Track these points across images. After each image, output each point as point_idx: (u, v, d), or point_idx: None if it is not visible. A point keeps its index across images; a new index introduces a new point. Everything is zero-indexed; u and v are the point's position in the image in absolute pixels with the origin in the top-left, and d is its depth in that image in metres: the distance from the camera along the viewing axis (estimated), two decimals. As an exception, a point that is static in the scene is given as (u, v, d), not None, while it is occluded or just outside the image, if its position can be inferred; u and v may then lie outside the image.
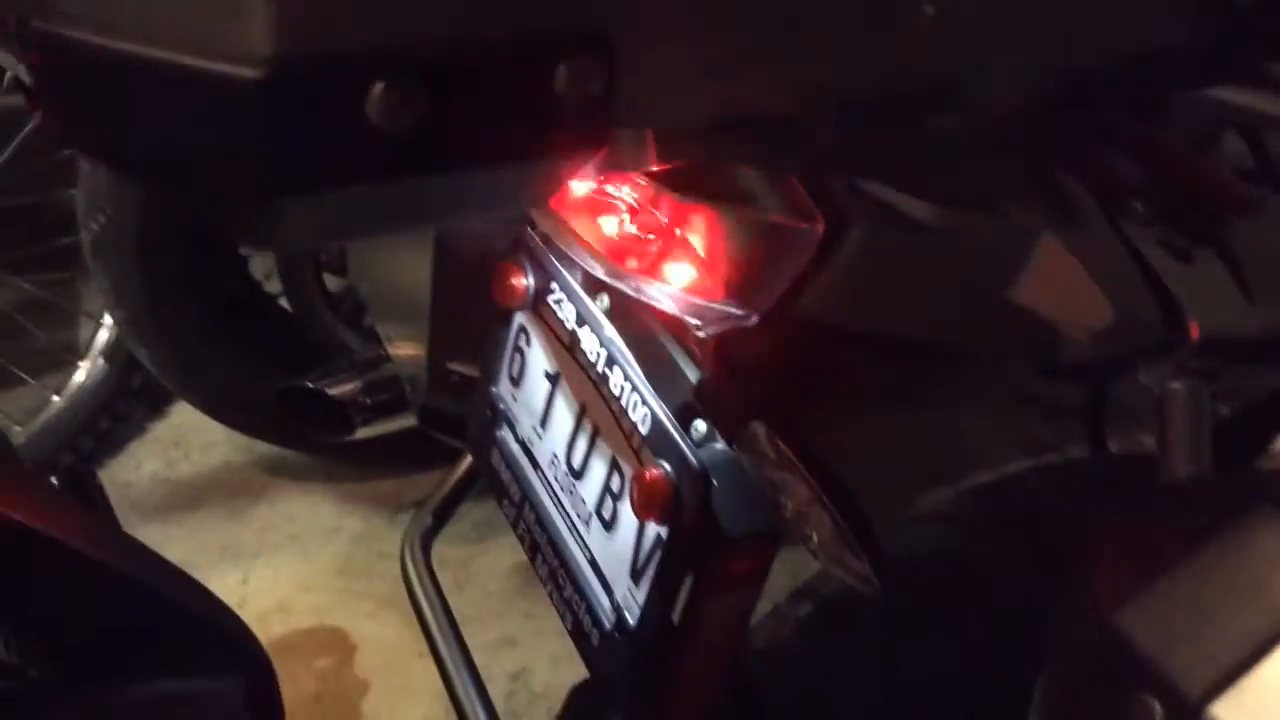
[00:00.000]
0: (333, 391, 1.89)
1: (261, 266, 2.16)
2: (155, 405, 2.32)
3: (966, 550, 1.14)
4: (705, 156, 0.59)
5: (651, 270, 0.90)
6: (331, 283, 2.11)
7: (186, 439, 2.32)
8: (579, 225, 0.91)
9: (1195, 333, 0.88)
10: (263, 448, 2.26)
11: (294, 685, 2.04)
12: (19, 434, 2.13)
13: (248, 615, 2.07)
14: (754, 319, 0.88)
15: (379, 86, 0.44)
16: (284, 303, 2.14)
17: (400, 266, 1.49)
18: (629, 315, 1.01)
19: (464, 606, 2.17)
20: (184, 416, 2.29)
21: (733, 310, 0.88)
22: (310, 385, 1.88)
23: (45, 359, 2.20)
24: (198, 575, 2.20)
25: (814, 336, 0.90)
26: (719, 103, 0.53)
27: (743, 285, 0.87)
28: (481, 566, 2.23)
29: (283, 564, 2.16)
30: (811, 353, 0.90)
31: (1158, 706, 0.61)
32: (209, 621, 1.02)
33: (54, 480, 1.29)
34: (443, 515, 1.31)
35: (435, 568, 1.36)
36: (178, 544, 2.17)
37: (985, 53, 0.58)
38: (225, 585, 2.12)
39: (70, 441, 2.17)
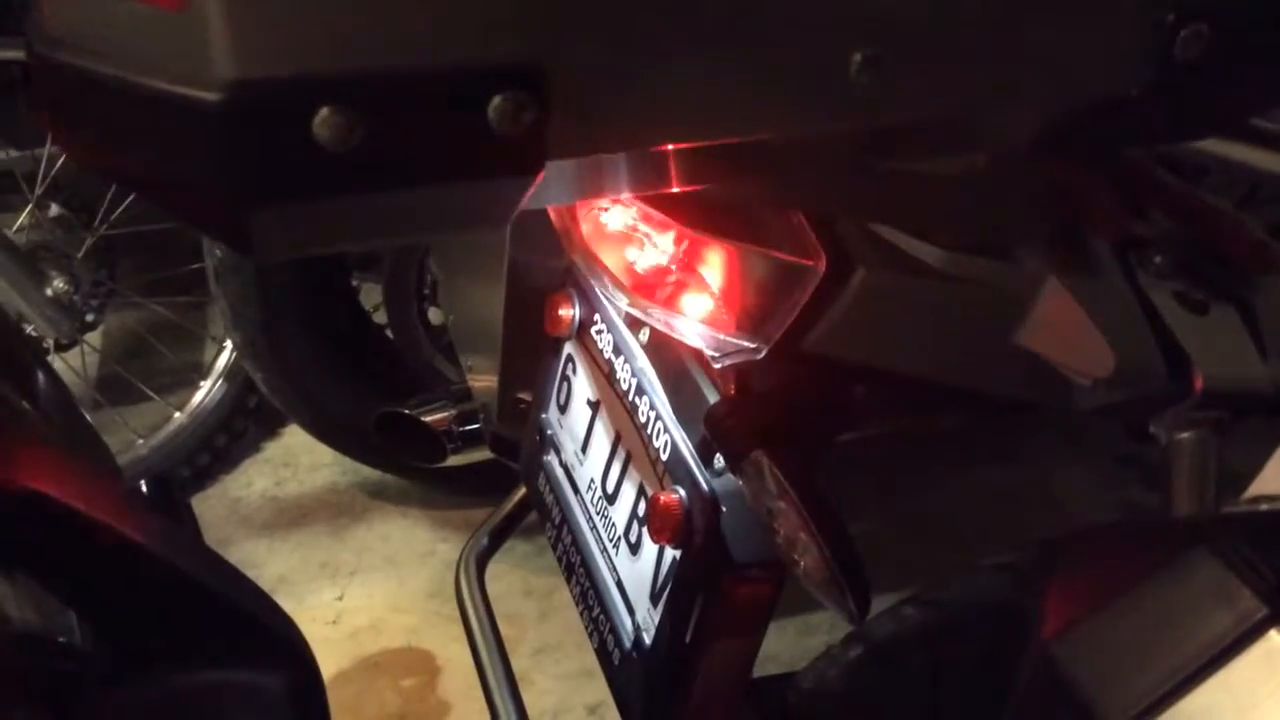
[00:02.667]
0: (427, 419, 1.97)
1: (370, 298, 2.26)
2: (269, 425, 2.44)
3: (1022, 601, 1.15)
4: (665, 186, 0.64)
5: (670, 301, 0.95)
6: (434, 315, 2.20)
7: (296, 459, 2.44)
8: (606, 256, 0.97)
9: (1199, 385, 0.89)
10: (365, 471, 2.35)
11: (380, 702, 2.11)
12: (141, 446, 2.26)
13: (341, 631, 2.18)
14: (763, 351, 0.92)
15: (324, 110, 0.50)
16: (389, 333, 2.24)
17: (480, 299, 1.56)
18: (662, 346, 1.06)
19: (547, 636, 2.23)
20: (295, 437, 2.40)
21: (743, 342, 0.92)
22: (406, 412, 1.97)
23: (171, 377, 2.33)
24: (297, 590, 2.32)
25: (820, 371, 0.93)
26: (656, 133, 0.58)
27: (752, 318, 0.92)
28: (566, 597, 2.28)
29: (377, 584, 2.24)
30: (816, 386, 0.93)
31: (1087, 736, 0.63)
32: (255, 618, 1.09)
33: (143, 485, 1.38)
34: (499, 537, 1.36)
35: (520, 596, 1.41)
36: (281, 559, 2.27)
37: (919, 104, 0.62)
38: (322, 600, 2.21)
39: (189, 456, 2.30)
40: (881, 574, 1.28)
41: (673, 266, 0.95)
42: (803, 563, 0.86)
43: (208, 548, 1.21)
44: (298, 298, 2.08)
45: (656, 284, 0.96)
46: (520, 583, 2.23)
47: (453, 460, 1.98)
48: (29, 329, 2.18)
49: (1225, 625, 0.61)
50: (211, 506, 2.35)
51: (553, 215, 0.98)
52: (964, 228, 0.90)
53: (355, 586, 2.24)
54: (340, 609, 2.21)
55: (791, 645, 2.14)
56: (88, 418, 1.47)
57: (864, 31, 0.58)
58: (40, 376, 1.43)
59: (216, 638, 1.08)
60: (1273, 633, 0.61)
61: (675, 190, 0.69)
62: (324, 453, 2.35)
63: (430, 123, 0.52)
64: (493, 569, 1.57)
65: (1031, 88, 0.63)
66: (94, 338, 2.35)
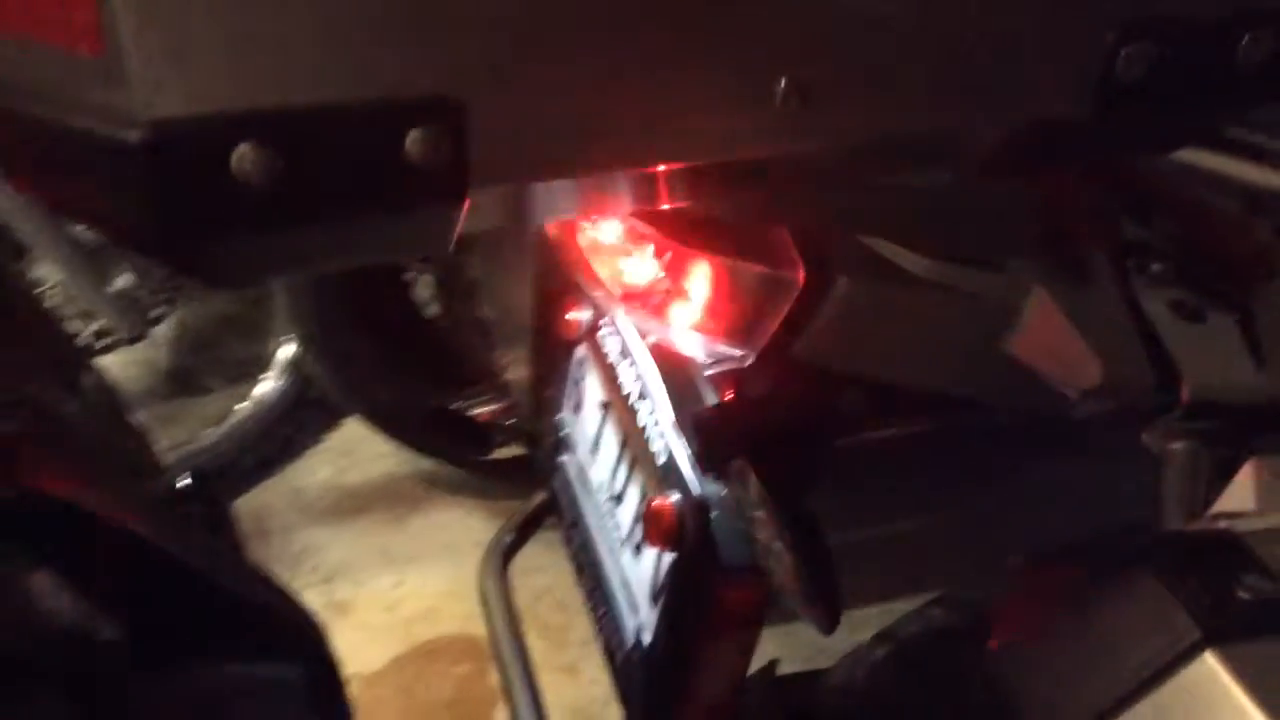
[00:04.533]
0: (474, 413, 2.01)
1: (423, 293, 2.30)
2: (331, 416, 2.49)
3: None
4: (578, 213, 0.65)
5: (660, 310, 0.96)
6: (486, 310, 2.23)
7: (356, 449, 2.49)
8: (600, 266, 0.98)
9: (1186, 395, 0.88)
10: (423, 461, 2.40)
11: (432, 689, 2.16)
12: (208, 436, 2.33)
13: (398, 617, 2.23)
14: (749, 359, 0.93)
15: (243, 147, 0.52)
16: (442, 327, 2.27)
17: (516, 297, 1.59)
18: (664, 351, 1.07)
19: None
20: (355, 428, 2.45)
21: (729, 350, 0.93)
22: (454, 406, 2.01)
23: (236, 370, 2.40)
24: (356, 576, 2.37)
25: (808, 379, 0.94)
26: (578, 160, 0.59)
27: (736, 327, 0.93)
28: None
29: (434, 572, 2.28)
30: (803, 395, 0.94)
31: (1022, 753, 0.63)
32: (273, 613, 1.13)
33: (188, 479, 1.42)
34: (523, 533, 1.39)
35: (569, 586, 1.42)
36: (341, 546, 2.33)
37: (850, 130, 0.62)
38: (380, 587, 2.26)
39: (253, 447, 2.36)
40: (889, 582, 1.28)
41: (663, 276, 0.97)
42: (776, 570, 0.87)
43: (225, 546, 1.25)
44: (353, 293, 2.13)
45: (648, 293, 0.97)
46: (569, 572, 2.26)
47: (500, 453, 2.01)
48: (99, 323, 2.26)
49: (1160, 647, 0.61)
50: (276, 495, 2.42)
51: (549, 226, 1.00)
52: (949, 236, 0.90)
53: (412, 574, 2.28)
54: (398, 596, 2.26)
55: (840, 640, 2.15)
56: (132, 417, 1.52)
57: (790, 56, 0.59)
58: (84, 377, 1.49)
59: (235, 632, 1.12)
60: (1206, 655, 0.60)
61: (653, 209, 0.71)
62: (383, 443, 2.40)
63: (348, 157, 0.54)
64: (541, 557, 1.60)
65: (969, 112, 0.63)
66: (162, 331, 2.41)
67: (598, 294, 1.00)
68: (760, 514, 0.88)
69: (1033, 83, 0.62)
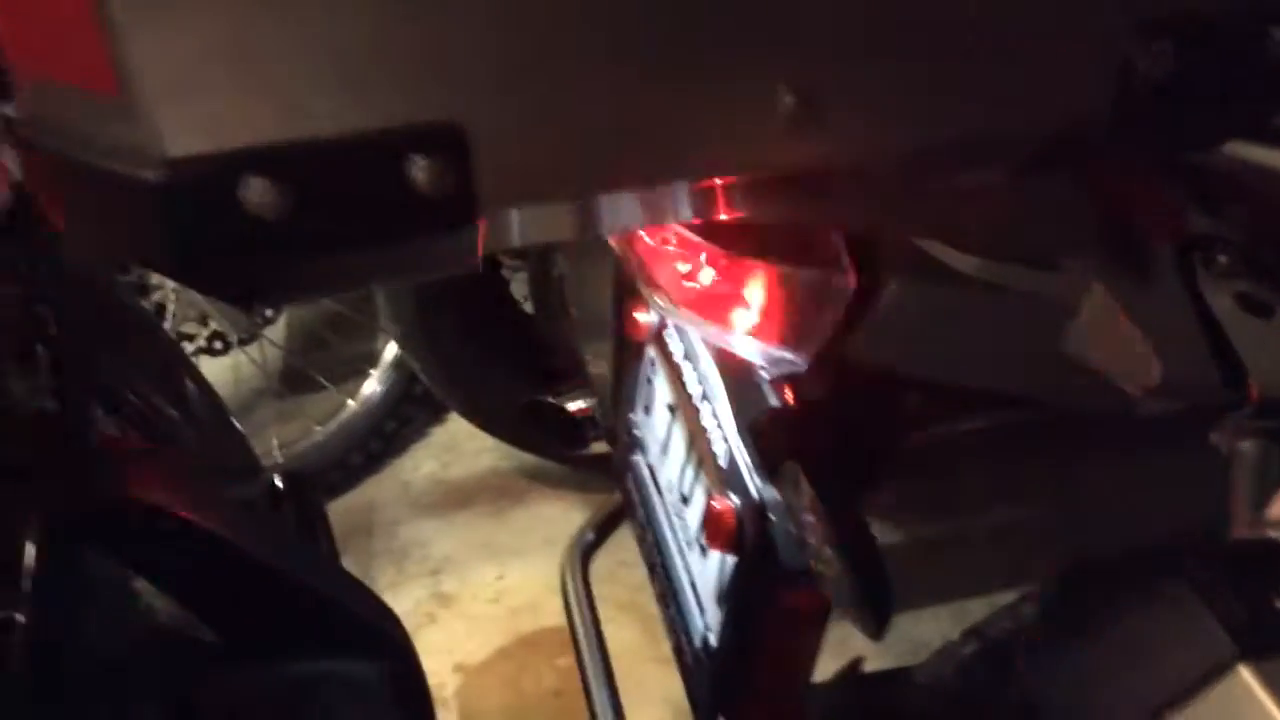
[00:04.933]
0: (570, 407, 2.03)
1: (521, 289, 2.33)
2: (435, 412, 2.54)
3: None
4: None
5: (719, 315, 0.97)
6: (582, 306, 2.25)
7: (460, 444, 2.54)
8: (660, 271, 0.99)
9: (1255, 393, 0.85)
10: (524, 455, 2.43)
11: (536, 679, 2.19)
12: (318, 433, 2.40)
13: (501, 609, 2.27)
14: (803, 364, 0.92)
15: (253, 181, 0.54)
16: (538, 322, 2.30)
17: (598, 294, 1.60)
18: (727, 354, 1.08)
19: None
20: (459, 424, 2.49)
21: (785, 355, 0.93)
22: (550, 400, 2.03)
23: (344, 368, 2.46)
24: (461, 570, 2.41)
25: (865, 384, 0.93)
26: (586, 181, 0.60)
27: (791, 333, 0.92)
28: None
29: (536, 565, 2.31)
30: (859, 399, 0.93)
31: (1054, 768, 0.62)
32: (355, 612, 1.16)
33: (277, 479, 1.47)
34: (602, 533, 1.40)
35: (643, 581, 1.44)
36: (446, 539, 2.38)
37: (859, 142, 0.61)
38: (484, 579, 2.30)
39: (361, 443, 2.42)
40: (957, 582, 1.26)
41: (721, 281, 0.97)
42: (826, 573, 0.87)
43: (315, 546, 1.29)
44: (450, 290, 2.17)
45: (706, 297, 0.98)
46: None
47: (597, 447, 2.03)
48: (213, 326, 2.34)
49: (1193, 661, 0.60)
50: (383, 489, 2.48)
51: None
52: (1003, 236, 0.88)
53: (515, 567, 2.32)
54: (501, 588, 2.30)
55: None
56: (235, 419, 1.57)
57: (791, 67, 0.58)
58: (186, 381, 1.55)
59: (319, 631, 1.16)
60: (1240, 670, 0.59)
61: (699, 220, 0.71)
62: (486, 438, 2.44)
63: (354, 187, 0.55)
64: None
65: (985, 120, 0.61)
66: (273, 332, 2.49)
67: (658, 298, 1.01)
68: (811, 518, 0.88)
69: (1053, 86, 0.61)
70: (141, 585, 1.17)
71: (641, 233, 0.97)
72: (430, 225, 0.58)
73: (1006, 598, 1.13)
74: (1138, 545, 0.70)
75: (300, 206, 0.55)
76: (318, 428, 2.41)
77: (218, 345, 2.37)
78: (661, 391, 1.19)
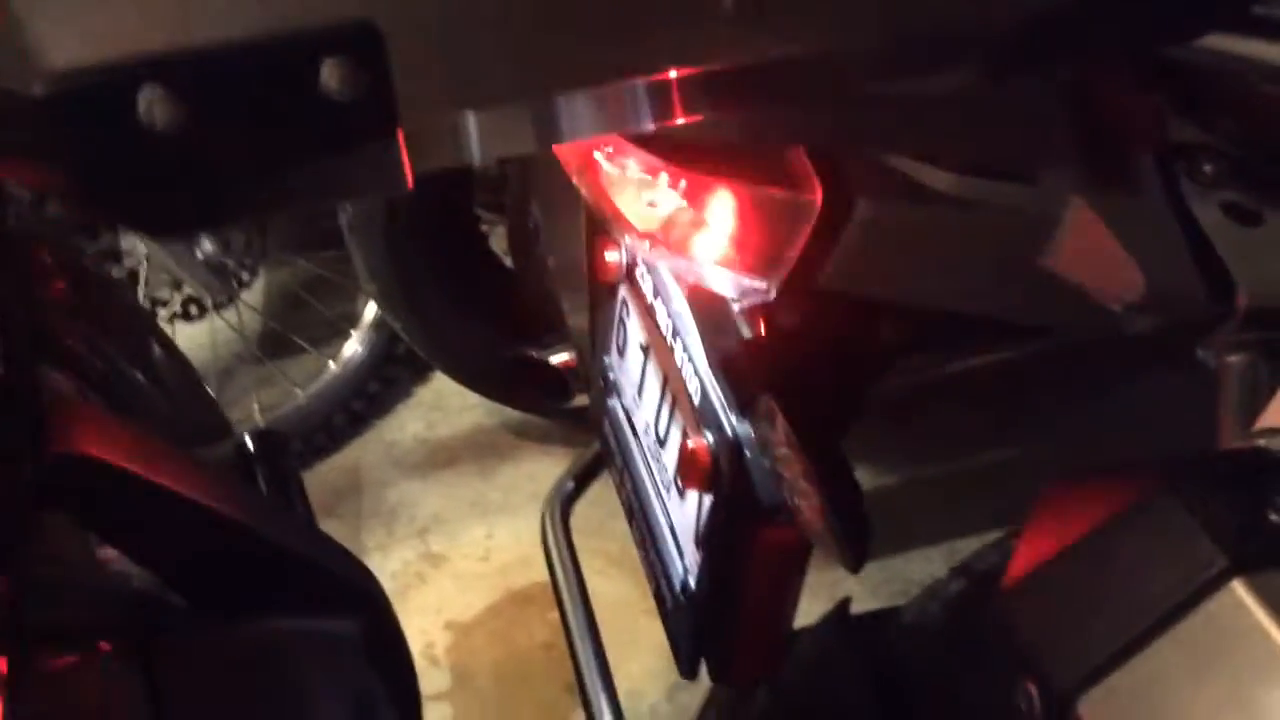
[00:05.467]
0: (552, 360, 2.00)
1: (500, 243, 2.29)
2: (419, 371, 2.50)
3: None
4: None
5: (684, 244, 0.92)
6: (561, 257, 2.21)
7: (446, 402, 2.50)
8: (622, 201, 0.94)
9: (1242, 303, 0.81)
10: (511, 412, 2.40)
11: (528, 634, 2.17)
12: (300, 396, 2.36)
13: (491, 567, 2.24)
14: (772, 292, 0.88)
15: (149, 92, 0.50)
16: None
17: (574, 242, 1.56)
18: (698, 289, 1.03)
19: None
20: (444, 382, 2.45)
21: (752, 283, 0.89)
22: (533, 354, 2.00)
23: (324, 329, 2.42)
24: (449, 528, 2.38)
25: (838, 313, 0.89)
26: (517, 86, 0.55)
27: (759, 258, 0.88)
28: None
29: (524, 521, 2.28)
30: (832, 329, 0.89)
31: (1035, 693, 0.59)
32: (328, 570, 1.13)
33: (248, 440, 1.43)
34: (583, 481, 1.37)
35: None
36: (434, 498, 2.35)
37: (802, 35, 0.57)
38: (473, 538, 2.27)
39: (344, 404, 2.39)
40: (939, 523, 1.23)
41: (685, 206, 0.92)
42: (803, 508, 0.83)
43: (287, 505, 1.25)
44: (427, 245, 2.12)
45: (671, 226, 0.93)
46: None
47: (581, 400, 1.99)
48: (187, 291, 2.29)
49: (1184, 576, 0.56)
50: (370, 450, 2.44)
51: (566, 161, 0.97)
52: (977, 148, 0.84)
53: (503, 524, 2.29)
54: (490, 545, 2.27)
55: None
56: (205, 383, 1.54)
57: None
58: (153, 346, 1.51)
59: (290, 589, 1.13)
60: (1235, 584, 0.55)
61: (654, 127, 0.67)
62: (471, 395, 2.40)
63: (260, 96, 0.51)
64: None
65: (941, 13, 0.57)
66: (251, 296, 2.45)
67: (625, 232, 0.96)
68: (785, 452, 0.84)
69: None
70: (100, 548, 1.13)
71: (602, 161, 0.92)
72: (345, 135, 0.53)
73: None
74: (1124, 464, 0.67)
75: (203, 119, 0.51)
76: (299, 391, 2.37)
77: (193, 311, 2.33)
78: (635, 332, 1.15)
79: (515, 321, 2.20)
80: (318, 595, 1.15)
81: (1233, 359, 0.82)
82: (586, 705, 1.21)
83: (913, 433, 1.86)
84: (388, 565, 2.28)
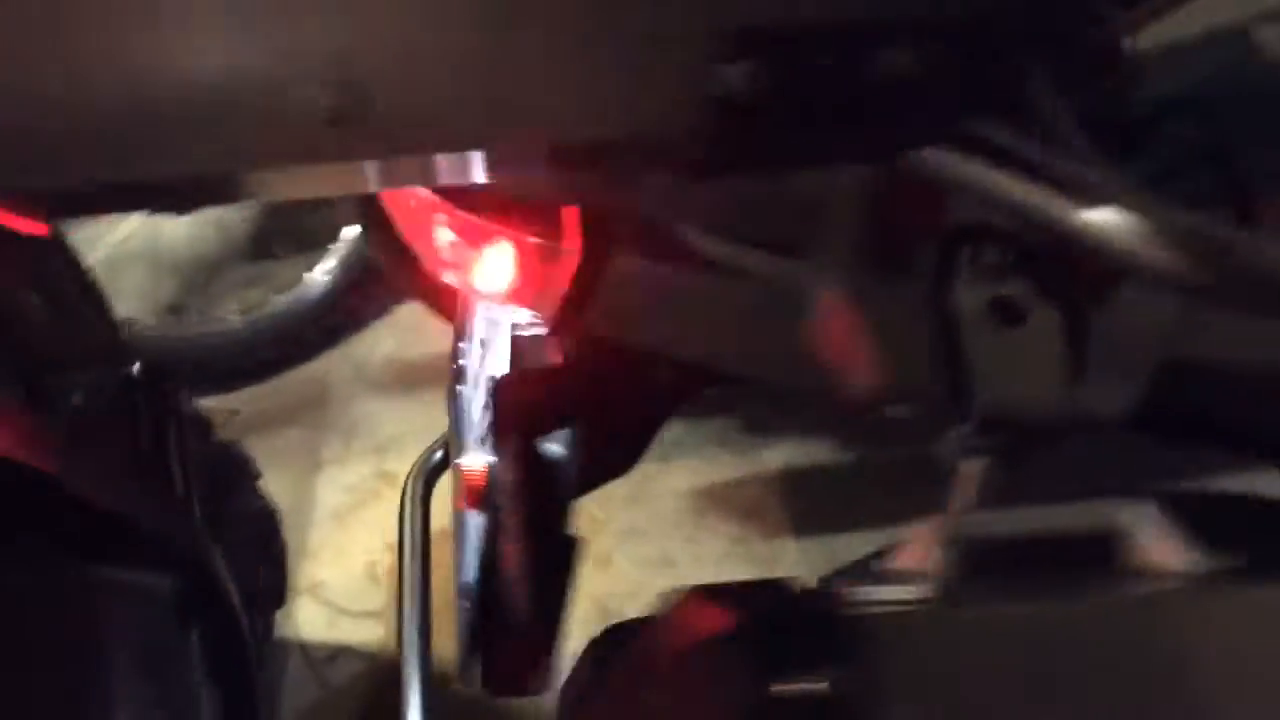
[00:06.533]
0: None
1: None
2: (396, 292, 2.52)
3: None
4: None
5: (480, 275, 0.93)
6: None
7: (423, 324, 2.51)
8: (425, 231, 0.95)
9: (980, 407, 0.79)
10: (480, 341, 2.41)
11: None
12: (277, 303, 2.39)
13: (441, 489, 2.26)
14: (546, 328, 0.88)
15: None
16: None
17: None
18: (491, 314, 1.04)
19: (635, 519, 2.25)
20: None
21: (530, 318, 0.89)
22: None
23: (305, 239, 2.44)
24: (407, 449, 2.40)
25: (597, 353, 0.89)
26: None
27: (532, 297, 0.88)
28: (660, 484, 2.29)
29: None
30: (586, 367, 0.89)
31: None
32: (141, 523, 1.15)
33: (136, 369, 1.45)
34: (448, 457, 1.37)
35: None
36: (396, 419, 2.37)
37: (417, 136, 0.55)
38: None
39: (319, 316, 2.41)
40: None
41: (467, 247, 0.92)
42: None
43: (105, 453, 1.27)
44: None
45: (467, 258, 0.93)
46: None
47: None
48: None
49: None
50: (339, 364, 2.48)
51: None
52: (754, 221, 0.82)
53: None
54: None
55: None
56: (107, 304, 1.54)
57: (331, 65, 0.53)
58: (59, 262, 1.53)
59: (104, 540, 1.15)
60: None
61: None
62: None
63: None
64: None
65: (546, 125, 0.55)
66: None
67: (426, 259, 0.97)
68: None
69: (634, 94, 0.54)
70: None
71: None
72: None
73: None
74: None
75: None
76: (277, 297, 2.40)
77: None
78: (478, 330, 1.16)
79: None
80: (132, 547, 1.17)
81: (964, 464, 0.80)
82: (402, 667, 1.23)
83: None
84: (343, 478, 2.31)
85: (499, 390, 0.91)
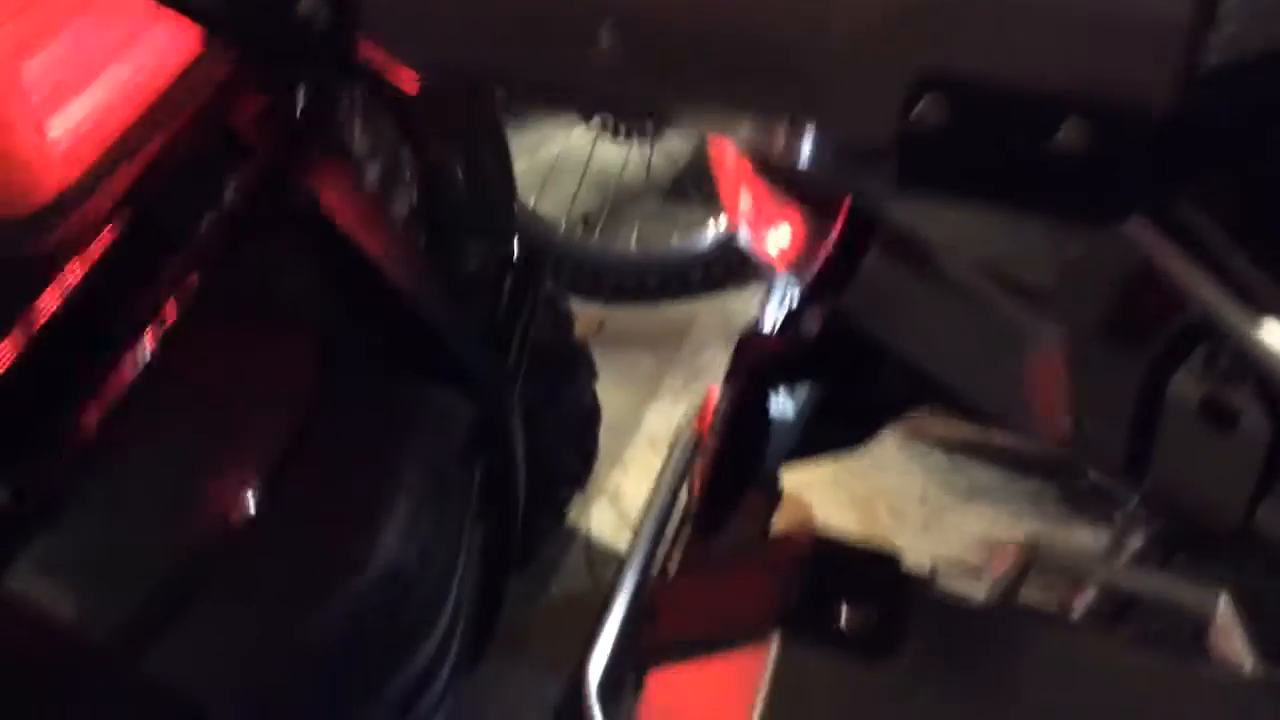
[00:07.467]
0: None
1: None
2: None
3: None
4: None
5: (767, 239, 1.06)
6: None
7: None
8: (734, 191, 1.09)
9: (1147, 489, 0.83)
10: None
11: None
12: (676, 240, 2.62)
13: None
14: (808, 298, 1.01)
15: None
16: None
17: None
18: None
19: (921, 545, 2.27)
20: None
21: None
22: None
23: (716, 192, 2.63)
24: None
25: (837, 331, 0.99)
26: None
27: (800, 267, 1.00)
28: (954, 520, 2.32)
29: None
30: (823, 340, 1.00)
31: None
32: (462, 360, 1.34)
33: (515, 253, 1.65)
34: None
35: None
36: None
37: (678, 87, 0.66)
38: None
39: (708, 264, 2.64)
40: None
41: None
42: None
43: (510, 307, 1.46)
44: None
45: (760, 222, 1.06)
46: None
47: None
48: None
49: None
50: (706, 313, 2.64)
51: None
52: (1007, 259, 0.89)
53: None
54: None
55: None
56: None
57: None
58: (488, 151, 1.73)
59: (429, 367, 1.34)
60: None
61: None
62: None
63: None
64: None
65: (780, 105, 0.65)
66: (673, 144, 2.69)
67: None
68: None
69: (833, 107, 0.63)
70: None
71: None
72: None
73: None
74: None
75: None
76: (677, 235, 2.64)
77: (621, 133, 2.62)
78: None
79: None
80: (451, 379, 1.36)
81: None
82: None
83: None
84: (672, 412, 2.41)
85: (742, 338, 1.04)
